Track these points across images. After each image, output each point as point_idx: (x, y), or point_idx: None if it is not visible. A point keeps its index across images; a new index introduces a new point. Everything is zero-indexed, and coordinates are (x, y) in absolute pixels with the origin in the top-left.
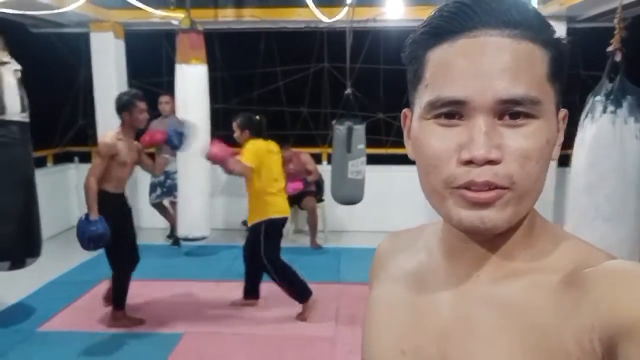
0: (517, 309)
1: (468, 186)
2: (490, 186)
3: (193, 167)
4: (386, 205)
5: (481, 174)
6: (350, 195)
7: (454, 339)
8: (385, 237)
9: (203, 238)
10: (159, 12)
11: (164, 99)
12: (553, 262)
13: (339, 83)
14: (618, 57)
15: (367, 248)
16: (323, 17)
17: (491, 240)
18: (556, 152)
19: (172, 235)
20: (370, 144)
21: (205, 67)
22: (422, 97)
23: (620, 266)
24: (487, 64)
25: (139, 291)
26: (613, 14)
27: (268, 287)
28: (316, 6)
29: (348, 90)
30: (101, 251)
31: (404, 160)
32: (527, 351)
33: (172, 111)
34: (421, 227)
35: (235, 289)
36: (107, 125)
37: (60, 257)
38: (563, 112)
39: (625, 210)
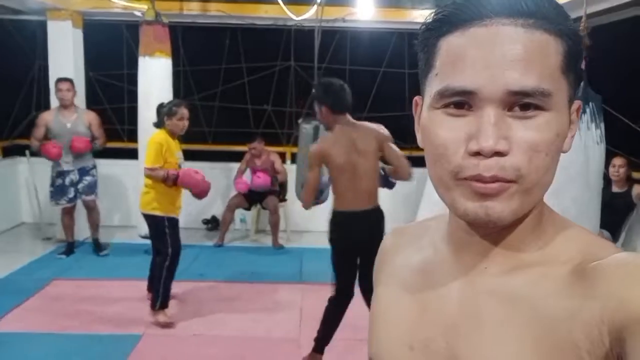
0: (526, 302)
1: (475, 179)
2: (497, 179)
3: None
4: None
5: (489, 167)
6: (319, 197)
7: (462, 332)
8: (389, 233)
9: None
10: (121, 2)
11: (64, 85)
12: (561, 254)
13: (305, 82)
14: (582, 65)
15: (329, 248)
16: (292, 15)
17: (498, 232)
18: (568, 144)
19: (94, 240)
20: None
21: (170, 61)
22: (432, 86)
23: (629, 259)
24: (498, 54)
25: (96, 290)
26: (577, 22)
27: (232, 287)
28: (284, 3)
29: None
30: (51, 249)
31: None
32: (536, 344)
33: (72, 100)
34: (425, 222)
35: (194, 289)
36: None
37: (9, 254)
38: (577, 104)
39: (589, 212)
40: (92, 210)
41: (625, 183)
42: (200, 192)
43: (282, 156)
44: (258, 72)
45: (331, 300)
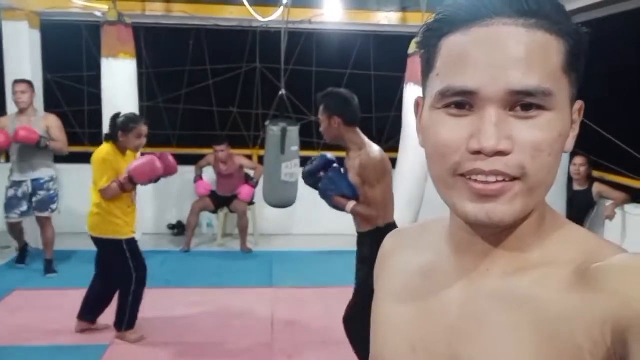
0: (528, 304)
1: (474, 174)
2: (498, 177)
3: None
4: (317, 208)
5: (489, 163)
6: (283, 198)
7: (464, 334)
8: (389, 235)
9: None
10: (81, 2)
11: (20, 87)
12: (563, 255)
13: (271, 84)
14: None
15: (298, 251)
16: (258, 16)
17: (500, 234)
18: (570, 144)
19: (46, 261)
20: (301, 146)
21: (134, 62)
22: (433, 86)
23: (631, 260)
24: (499, 54)
25: (60, 300)
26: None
27: (201, 293)
28: (250, 5)
29: (282, 91)
30: (11, 257)
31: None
32: (539, 346)
33: (31, 103)
34: (425, 223)
35: (161, 296)
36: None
37: None
38: (579, 103)
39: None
40: (44, 227)
41: (585, 181)
42: (167, 171)
43: (248, 159)
44: (223, 73)
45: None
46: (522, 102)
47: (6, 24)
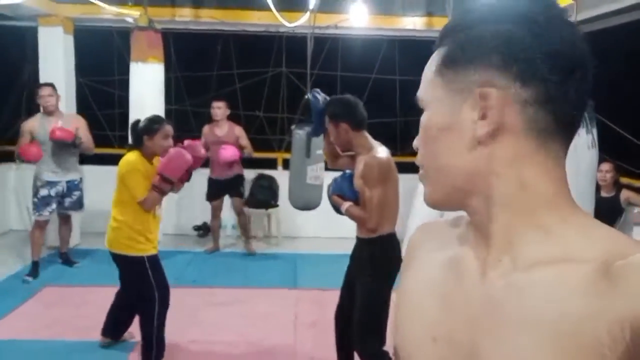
0: (548, 298)
1: None
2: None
3: None
4: None
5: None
6: (309, 201)
7: (485, 326)
8: (417, 229)
9: None
10: (113, 9)
11: (45, 90)
12: (586, 252)
13: (297, 88)
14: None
15: (322, 254)
16: (285, 22)
17: (516, 227)
18: (480, 130)
19: (63, 254)
20: None
21: (162, 67)
22: None
23: None
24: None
25: (90, 297)
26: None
27: (226, 293)
28: (277, 10)
29: (308, 95)
30: (42, 255)
31: None
32: (559, 340)
33: (56, 106)
34: (456, 217)
35: (188, 296)
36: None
37: None
38: (481, 90)
39: None
40: (67, 224)
41: (612, 188)
42: (196, 161)
43: (273, 162)
44: (250, 78)
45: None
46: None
47: (42, 30)
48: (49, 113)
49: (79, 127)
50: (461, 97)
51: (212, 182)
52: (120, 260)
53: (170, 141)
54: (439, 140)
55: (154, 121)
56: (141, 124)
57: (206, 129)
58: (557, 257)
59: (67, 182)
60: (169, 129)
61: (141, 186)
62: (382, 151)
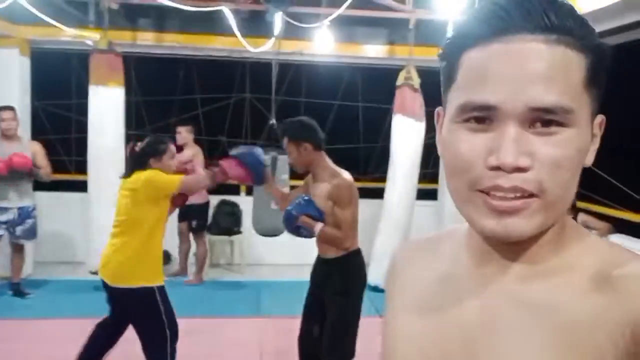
0: (547, 309)
1: (493, 190)
2: (516, 193)
3: (105, 194)
4: (304, 239)
5: (508, 180)
6: (273, 227)
7: (482, 343)
8: (401, 246)
9: None
10: (72, 31)
11: (7, 114)
12: (582, 262)
13: (260, 114)
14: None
15: (286, 281)
16: (249, 47)
17: (519, 247)
18: (590, 158)
19: (14, 285)
20: (290, 175)
21: (123, 91)
22: (453, 100)
23: None
24: (520, 70)
25: (36, 330)
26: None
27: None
28: (240, 36)
29: (273, 121)
30: None
31: None
32: (559, 351)
33: (17, 131)
34: (439, 234)
35: None
36: None
37: None
38: (599, 118)
39: None
40: (20, 253)
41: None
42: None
43: (236, 187)
44: (213, 103)
45: None
46: (542, 119)
47: None
48: (7, 137)
49: (36, 152)
50: (591, 119)
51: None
52: (125, 295)
53: (176, 162)
54: (576, 164)
55: (160, 142)
56: (143, 148)
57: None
58: (554, 269)
59: (19, 208)
60: (173, 148)
61: (171, 177)
62: (345, 172)
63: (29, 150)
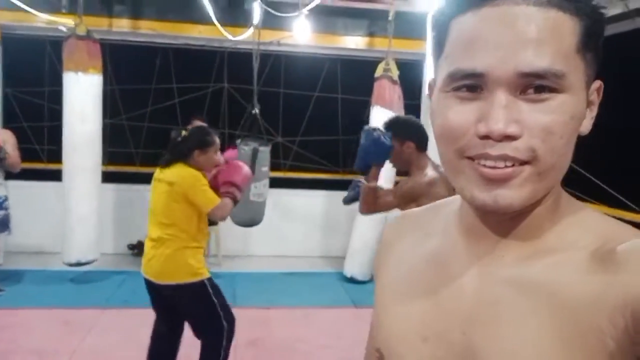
0: (545, 289)
1: (482, 158)
2: (507, 161)
3: (82, 184)
4: (282, 230)
5: (498, 148)
6: (251, 218)
7: (479, 322)
8: (391, 221)
9: (93, 261)
10: (46, 17)
11: None
12: (580, 239)
13: (239, 104)
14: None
15: (263, 272)
16: (229, 35)
17: (514, 219)
18: (586, 126)
19: None
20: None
21: (101, 78)
22: (443, 69)
23: None
24: (509, 35)
25: (13, 320)
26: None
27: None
28: (219, 24)
29: (255, 110)
30: None
31: (301, 184)
32: (557, 331)
33: None
34: (434, 206)
35: (120, 316)
36: None
37: None
38: (597, 83)
39: None
40: None
41: None
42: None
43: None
44: (190, 92)
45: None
46: (533, 85)
47: None
48: None
49: (5, 141)
50: (586, 85)
51: None
52: (175, 291)
53: (220, 155)
54: (570, 131)
55: (206, 133)
56: (190, 137)
57: None
58: (551, 247)
59: None
60: (218, 142)
61: (213, 195)
62: (440, 184)
63: None
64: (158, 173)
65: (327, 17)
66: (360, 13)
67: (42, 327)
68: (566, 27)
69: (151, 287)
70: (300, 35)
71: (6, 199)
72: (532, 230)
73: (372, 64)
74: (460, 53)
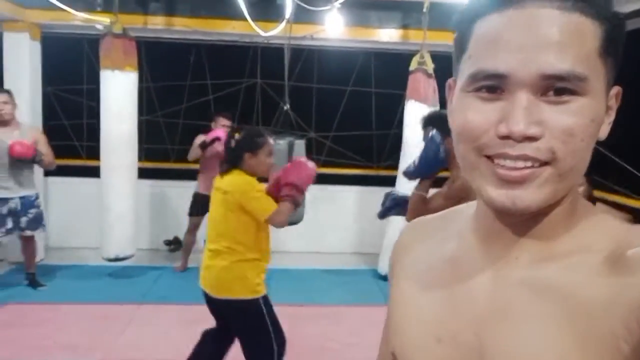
0: (559, 292)
1: (501, 158)
2: (526, 162)
3: (119, 181)
4: (315, 226)
5: (518, 149)
6: (293, 216)
7: (492, 324)
8: (406, 226)
9: (130, 257)
10: (83, 15)
11: (1, 97)
12: (594, 242)
13: (272, 100)
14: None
15: (296, 269)
16: (260, 31)
17: (530, 221)
18: (604, 131)
19: (30, 275)
20: None
21: (136, 76)
22: (465, 69)
23: None
24: (532, 37)
25: (52, 315)
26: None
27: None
28: (251, 20)
29: (287, 107)
30: (3, 271)
31: (334, 180)
32: (570, 334)
33: (13, 115)
34: (445, 213)
35: (156, 313)
36: None
37: None
38: (616, 89)
39: None
40: (29, 243)
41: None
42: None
43: None
44: (223, 88)
45: None
46: (555, 87)
47: (7, 36)
48: (3, 123)
49: (37, 140)
50: (606, 90)
51: (200, 198)
52: (228, 306)
53: (273, 160)
54: (590, 133)
55: (256, 135)
56: (240, 140)
57: (202, 137)
58: (566, 250)
59: (21, 198)
60: (272, 143)
61: (268, 201)
62: None
63: (28, 136)
64: (217, 181)
65: (360, 10)
66: (394, 5)
67: (79, 323)
68: (588, 31)
69: (206, 297)
70: (333, 29)
71: (37, 197)
72: (547, 233)
73: (407, 57)
74: (483, 54)
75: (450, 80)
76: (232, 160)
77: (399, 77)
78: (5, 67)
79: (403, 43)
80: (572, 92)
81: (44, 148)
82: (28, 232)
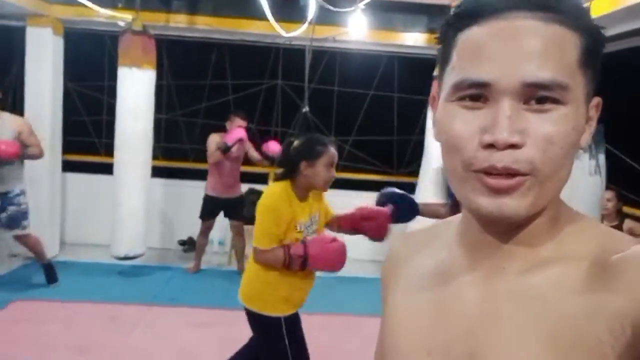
0: (546, 301)
1: (488, 171)
2: (510, 173)
3: (133, 178)
4: (335, 233)
5: (502, 159)
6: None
7: (482, 335)
8: (398, 238)
9: (140, 256)
10: (106, 12)
11: None
12: (579, 250)
13: (292, 102)
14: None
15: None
16: (282, 32)
17: (514, 231)
18: (585, 140)
19: (46, 266)
20: None
21: (154, 74)
22: (448, 79)
23: None
24: (514, 47)
25: (60, 313)
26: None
27: (207, 313)
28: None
29: (306, 109)
30: (16, 266)
31: (353, 185)
32: (558, 342)
33: (1, 108)
34: (433, 226)
35: (165, 314)
36: (35, 126)
37: None
38: (596, 100)
39: None
40: (22, 241)
41: (615, 217)
42: (332, 267)
43: (264, 176)
44: (244, 89)
45: None
46: (537, 96)
47: (30, 31)
48: None
49: (22, 130)
50: (586, 100)
51: (210, 200)
52: (252, 318)
53: (334, 172)
54: (570, 142)
55: (316, 142)
56: (297, 147)
57: (216, 137)
58: (551, 258)
59: (2, 194)
60: (334, 153)
61: (268, 234)
62: None
63: (11, 125)
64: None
65: (384, 13)
66: (419, 8)
67: (88, 322)
68: (568, 42)
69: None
70: (356, 31)
71: (21, 193)
72: (532, 242)
73: (431, 61)
74: (466, 64)
75: (433, 92)
76: (287, 169)
77: (422, 82)
78: (28, 61)
79: (428, 47)
80: (554, 101)
81: (32, 139)
82: (6, 231)
